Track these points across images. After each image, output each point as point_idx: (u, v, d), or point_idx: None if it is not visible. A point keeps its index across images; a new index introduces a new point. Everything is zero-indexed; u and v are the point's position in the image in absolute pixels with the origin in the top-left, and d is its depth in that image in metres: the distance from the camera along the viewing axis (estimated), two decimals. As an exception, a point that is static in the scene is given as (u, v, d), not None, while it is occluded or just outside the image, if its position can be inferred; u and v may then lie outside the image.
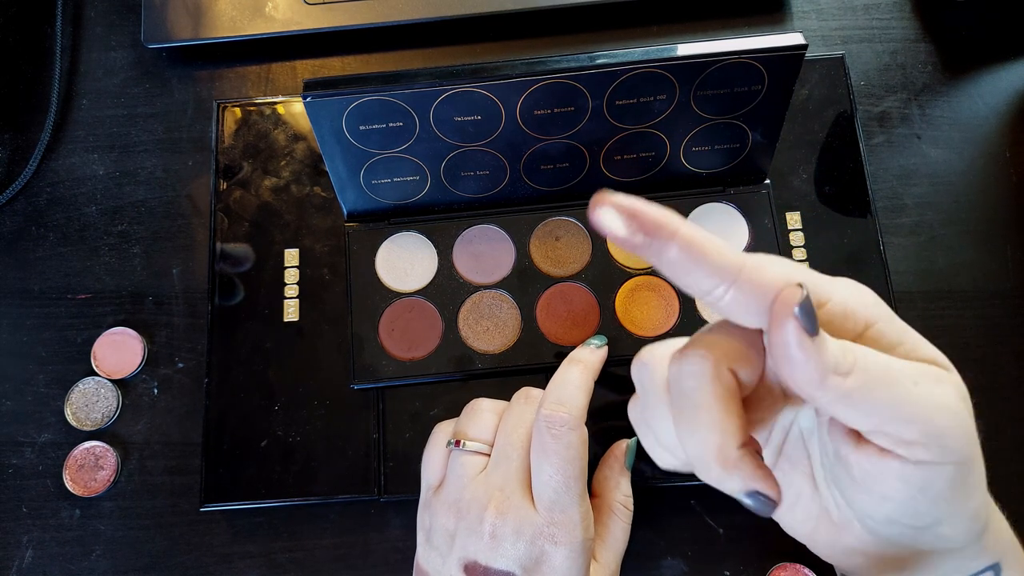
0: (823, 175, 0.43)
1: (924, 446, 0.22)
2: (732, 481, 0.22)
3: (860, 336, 0.23)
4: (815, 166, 0.43)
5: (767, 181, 0.43)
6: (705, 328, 0.24)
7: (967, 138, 0.45)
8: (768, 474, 0.22)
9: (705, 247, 0.21)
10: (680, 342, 0.25)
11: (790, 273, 0.22)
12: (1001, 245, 0.43)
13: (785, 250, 0.42)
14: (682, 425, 0.23)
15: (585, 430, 0.33)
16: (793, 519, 0.29)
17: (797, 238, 0.42)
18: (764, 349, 0.23)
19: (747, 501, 0.22)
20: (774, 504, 0.22)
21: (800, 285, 0.21)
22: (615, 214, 0.21)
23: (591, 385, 0.35)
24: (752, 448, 0.22)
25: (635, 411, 0.28)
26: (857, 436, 0.23)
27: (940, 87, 0.46)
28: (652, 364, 0.26)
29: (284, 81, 0.48)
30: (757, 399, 0.25)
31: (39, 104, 0.48)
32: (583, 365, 0.36)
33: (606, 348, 0.39)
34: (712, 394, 0.22)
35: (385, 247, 0.43)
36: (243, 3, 0.47)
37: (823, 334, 0.21)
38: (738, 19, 0.48)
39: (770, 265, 0.22)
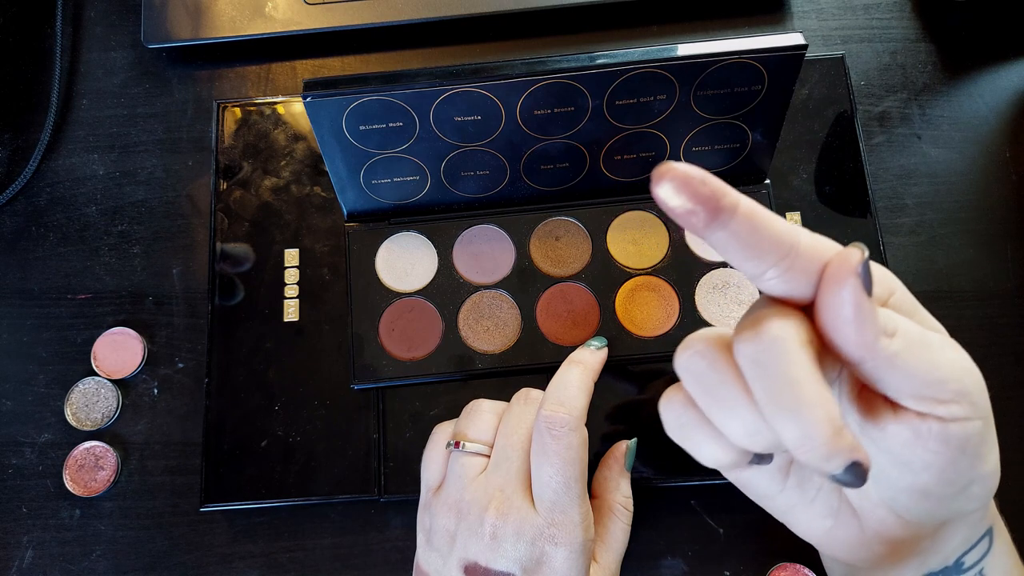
0: (823, 175, 0.43)
1: (959, 404, 0.23)
2: (839, 456, 0.21)
3: (885, 304, 0.24)
4: (815, 166, 0.43)
5: (767, 181, 0.43)
6: (759, 308, 0.23)
7: (967, 138, 0.45)
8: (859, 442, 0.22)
9: (767, 220, 0.21)
10: (725, 329, 0.24)
11: (836, 245, 0.22)
12: (1001, 245, 0.43)
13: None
14: (779, 406, 0.21)
15: (585, 431, 0.33)
16: (811, 516, 0.29)
17: (797, 238, 0.42)
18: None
19: (844, 477, 0.21)
20: (867, 472, 0.21)
21: (858, 246, 0.21)
22: (677, 189, 0.20)
23: (591, 386, 0.35)
24: None
25: (678, 408, 0.25)
26: (893, 406, 0.24)
27: (940, 87, 0.46)
28: (709, 352, 0.23)
29: (284, 81, 0.48)
30: None
31: (39, 104, 0.48)
32: (583, 366, 0.36)
33: (606, 350, 0.39)
34: (808, 365, 0.21)
35: (385, 247, 0.43)
36: (243, 3, 0.47)
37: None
38: (738, 19, 0.48)
39: (823, 238, 0.22)
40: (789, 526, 0.30)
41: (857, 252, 0.21)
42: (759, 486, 0.30)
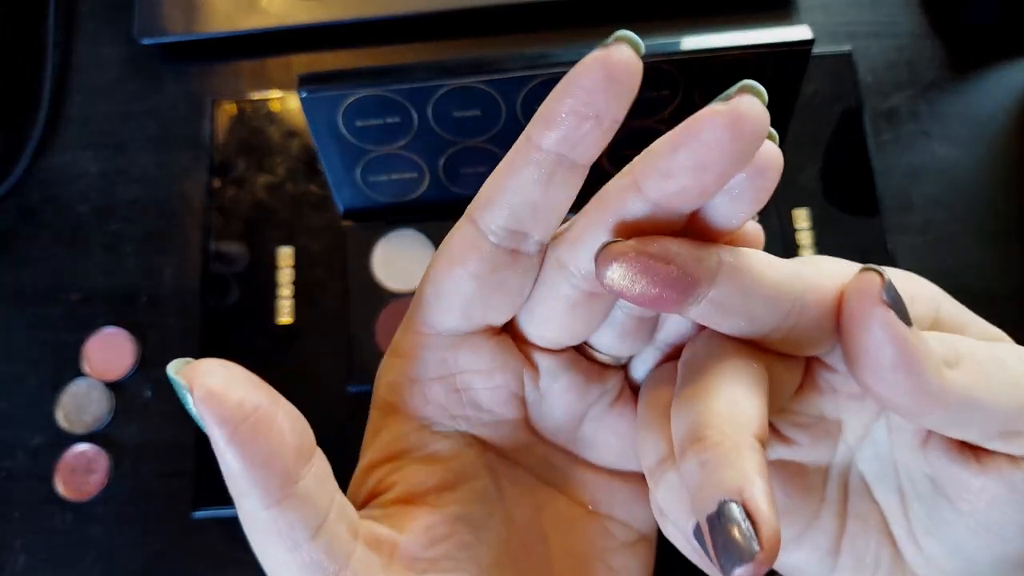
0: (830, 173, 0.43)
1: None
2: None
3: (933, 326, 0.18)
4: (822, 163, 0.43)
5: (772, 179, 0.42)
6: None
7: (976, 135, 0.45)
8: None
9: (761, 273, 0.16)
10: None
11: (850, 266, 0.17)
12: (1011, 245, 0.43)
13: (792, 249, 0.42)
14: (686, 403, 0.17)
15: None
16: None
17: (804, 237, 0.42)
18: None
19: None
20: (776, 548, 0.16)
21: (872, 269, 0.16)
22: (633, 273, 0.16)
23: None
24: None
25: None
26: (974, 453, 0.18)
27: (949, 83, 0.46)
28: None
29: (279, 76, 0.47)
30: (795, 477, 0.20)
31: (30, 101, 0.48)
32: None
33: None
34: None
35: (382, 246, 0.42)
36: (238, -3, 0.46)
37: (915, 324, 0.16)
38: (743, 14, 0.47)
39: (827, 266, 0.17)
40: None
41: (873, 275, 0.16)
42: (806, 572, 0.22)
